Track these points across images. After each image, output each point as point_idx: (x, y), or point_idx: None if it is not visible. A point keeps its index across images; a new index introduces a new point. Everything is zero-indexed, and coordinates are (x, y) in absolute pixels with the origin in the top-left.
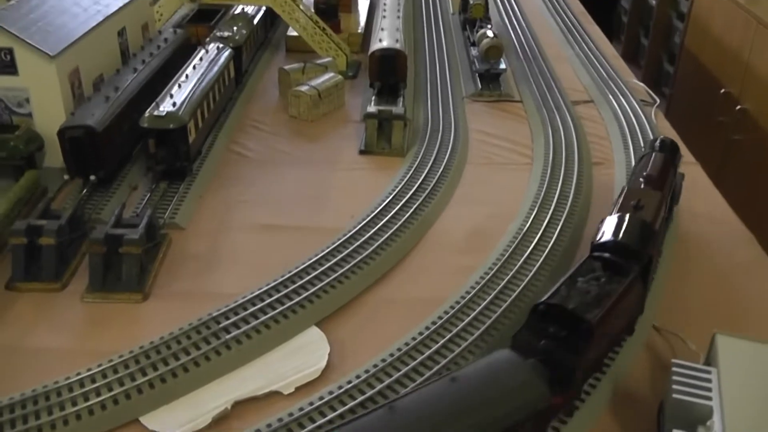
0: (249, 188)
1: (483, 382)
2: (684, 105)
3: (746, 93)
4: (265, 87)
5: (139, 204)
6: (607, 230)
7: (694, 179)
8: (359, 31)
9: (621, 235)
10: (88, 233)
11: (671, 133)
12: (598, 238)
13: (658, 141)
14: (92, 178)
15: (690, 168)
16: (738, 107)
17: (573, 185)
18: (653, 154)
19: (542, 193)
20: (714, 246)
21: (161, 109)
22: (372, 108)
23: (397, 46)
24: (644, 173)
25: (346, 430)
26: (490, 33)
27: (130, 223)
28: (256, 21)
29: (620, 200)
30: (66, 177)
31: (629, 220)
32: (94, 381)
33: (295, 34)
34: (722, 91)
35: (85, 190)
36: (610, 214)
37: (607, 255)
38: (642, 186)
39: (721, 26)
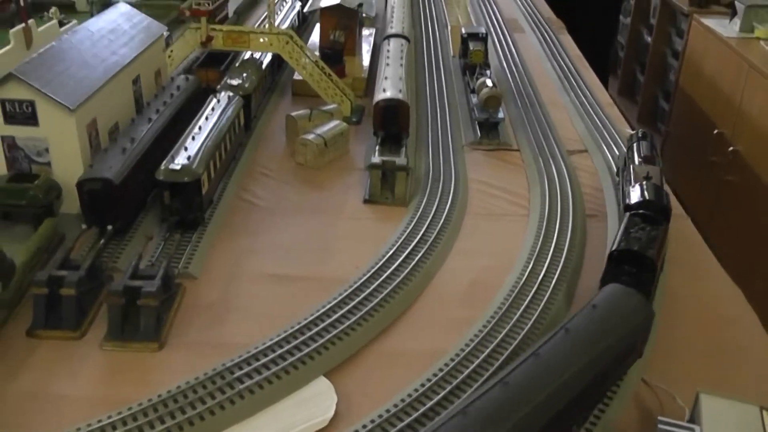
0: (258, 237)
1: (609, 310)
2: (679, 143)
3: (738, 135)
4: (273, 132)
5: (155, 252)
6: (634, 195)
7: (684, 233)
8: (363, 75)
9: (647, 196)
10: (106, 282)
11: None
12: (628, 201)
13: (638, 132)
14: (109, 228)
15: (680, 222)
16: (730, 148)
17: (567, 238)
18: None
19: (538, 246)
20: (702, 300)
21: (176, 162)
22: (376, 159)
23: (400, 96)
24: (641, 155)
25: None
26: (489, 82)
27: (147, 274)
28: (264, 66)
29: (631, 175)
30: (84, 226)
31: (647, 186)
32: (114, 428)
33: (301, 78)
34: (715, 131)
35: (102, 240)
36: (631, 186)
37: (642, 211)
38: (643, 164)
39: (714, 67)
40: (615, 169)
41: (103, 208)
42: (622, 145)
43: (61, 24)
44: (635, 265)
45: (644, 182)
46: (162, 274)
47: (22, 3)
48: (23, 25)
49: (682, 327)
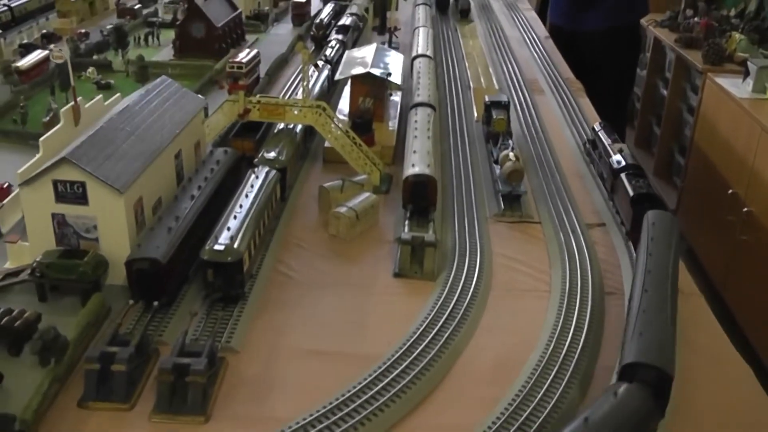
0: (295, 311)
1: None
2: (694, 199)
3: (752, 196)
4: (306, 202)
5: (198, 326)
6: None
7: (696, 312)
8: (391, 143)
9: (629, 160)
10: (153, 354)
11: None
12: (616, 167)
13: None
14: (155, 304)
15: (692, 300)
16: (745, 209)
17: (587, 317)
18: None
19: (559, 325)
20: (715, 383)
21: (219, 242)
22: (406, 234)
23: (428, 171)
24: (610, 138)
25: None
26: (512, 155)
27: (193, 350)
28: (298, 136)
29: (609, 150)
30: (131, 302)
31: (625, 154)
32: None
33: (331, 145)
34: (730, 191)
35: (148, 315)
36: (613, 155)
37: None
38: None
39: (727, 126)
40: (632, 246)
41: (150, 285)
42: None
43: (99, 85)
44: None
45: (621, 153)
46: (208, 351)
47: (72, 85)
48: (72, 103)
49: (696, 411)
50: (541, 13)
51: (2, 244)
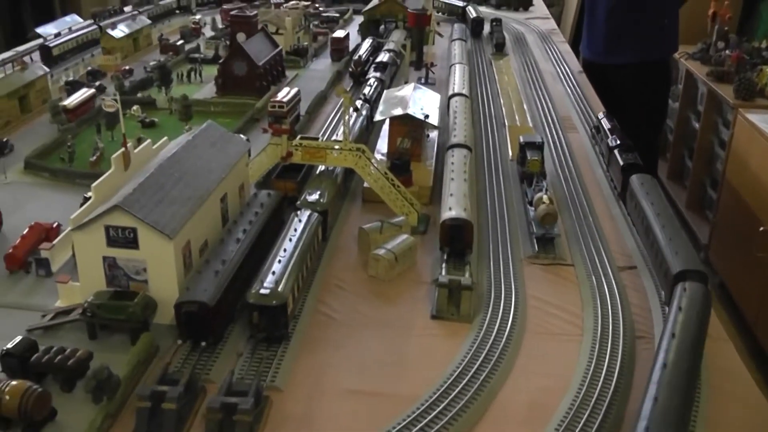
0: (336, 351)
1: None
2: (726, 233)
3: None
4: (346, 242)
5: (244, 365)
6: (625, 160)
7: (726, 357)
8: (429, 183)
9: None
10: (200, 393)
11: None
12: (623, 164)
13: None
14: (203, 344)
15: (721, 346)
16: None
17: (618, 362)
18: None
19: (591, 368)
20: (743, 430)
21: (265, 286)
22: (443, 278)
23: (465, 215)
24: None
25: None
26: (545, 198)
27: (240, 389)
28: (338, 178)
29: (618, 157)
30: (179, 342)
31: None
32: None
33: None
34: (761, 228)
35: (196, 355)
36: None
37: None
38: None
39: (759, 163)
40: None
41: (198, 326)
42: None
43: (143, 123)
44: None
45: (615, 134)
46: (254, 390)
47: (123, 132)
48: (123, 150)
49: None
50: (574, 45)
51: (53, 283)
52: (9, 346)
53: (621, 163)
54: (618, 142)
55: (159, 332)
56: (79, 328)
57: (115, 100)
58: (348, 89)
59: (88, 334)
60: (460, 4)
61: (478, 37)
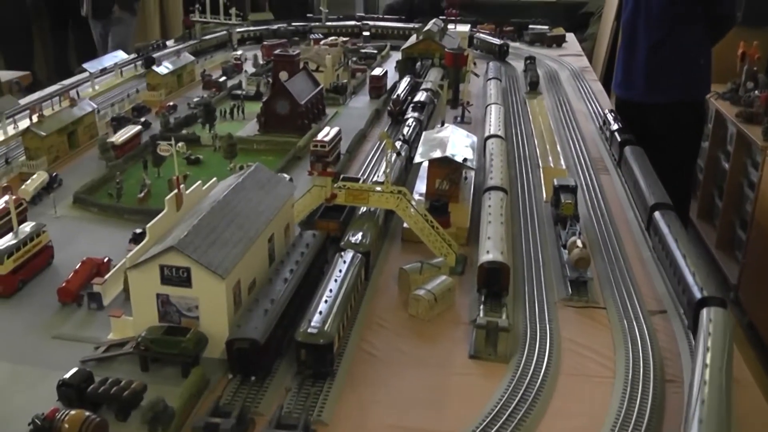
0: (378, 389)
1: None
2: (755, 275)
3: None
4: (387, 281)
5: (291, 399)
6: (622, 138)
7: (751, 400)
8: (466, 225)
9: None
10: (249, 425)
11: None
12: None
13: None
14: (252, 378)
15: (748, 389)
16: None
17: (649, 405)
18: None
19: (623, 411)
20: None
21: (312, 325)
22: (481, 319)
23: (502, 258)
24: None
25: None
26: (579, 242)
27: (288, 423)
28: (380, 220)
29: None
30: (230, 376)
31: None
32: None
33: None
34: None
35: (246, 389)
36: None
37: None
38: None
39: None
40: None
41: (249, 362)
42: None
43: (188, 160)
44: None
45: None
46: (303, 424)
47: (176, 174)
48: (176, 191)
49: None
50: (606, 82)
51: (104, 316)
52: (66, 376)
53: (619, 139)
54: (617, 126)
55: (208, 366)
56: (131, 360)
57: (170, 145)
58: (387, 128)
59: (140, 366)
60: (497, 41)
61: (503, 59)
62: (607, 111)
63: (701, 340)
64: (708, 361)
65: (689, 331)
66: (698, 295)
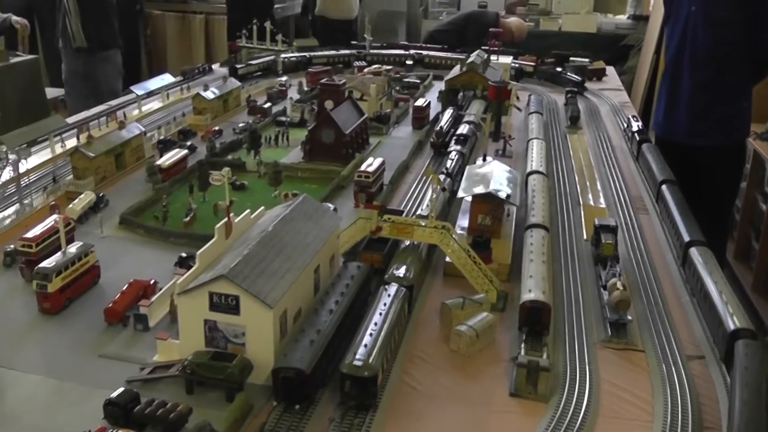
0: (421, 423)
1: None
2: None
3: None
4: (428, 315)
5: (334, 429)
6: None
7: None
8: (507, 261)
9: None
10: None
11: None
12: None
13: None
14: (297, 407)
15: None
16: None
17: None
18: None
19: None
20: None
21: (357, 357)
22: (522, 358)
23: (543, 298)
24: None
25: None
26: (619, 284)
27: None
28: (423, 254)
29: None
30: (274, 403)
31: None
32: None
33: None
34: None
35: (289, 416)
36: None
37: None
38: None
39: None
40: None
41: (294, 390)
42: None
43: (234, 186)
44: None
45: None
46: None
47: (228, 206)
48: (226, 220)
49: None
50: (644, 117)
51: (149, 337)
52: (113, 395)
53: (638, 138)
54: (637, 128)
55: (252, 391)
56: (175, 382)
57: (223, 175)
58: (429, 160)
59: (185, 389)
60: (575, 78)
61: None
62: (631, 116)
63: (737, 376)
64: (746, 397)
65: (727, 377)
66: (731, 326)
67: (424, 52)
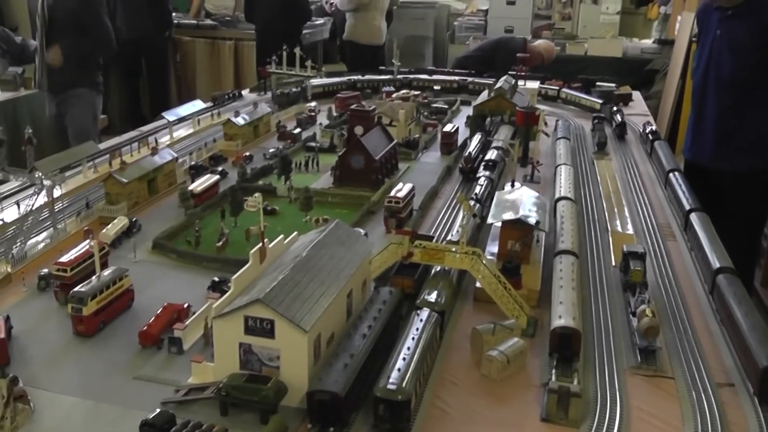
0: None
1: None
2: None
3: None
4: (459, 340)
5: None
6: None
7: None
8: (537, 287)
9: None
10: None
11: None
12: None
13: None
14: (331, 429)
15: None
16: None
17: None
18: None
19: None
20: None
21: (391, 381)
22: (553, 384)
23: (573, 324)
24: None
25: None
26: (648, 311)
27: None
28: (454, 279)
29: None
30: (309, 426)
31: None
32: None
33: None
34: None
35: None
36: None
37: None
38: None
39: None
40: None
41: (328, 413)
42: None
43: (265, 211)
44: None
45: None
46: None
47: (262, 231)
48: (260, 245)
49: None
50: (670, 142)
51: (183, 360)
52: (150, 417)
53: (651, 138)
54: (651, 129)
55: (285, 413)
56: (210, 404)
57: (258, 201)
58: (458, 186)
59: (220, 410)
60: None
61: (622, 139)
62: (646, 124)
63: None
64: None
65: (758, 406)
66: (765, 362)
67: (469, 79)
